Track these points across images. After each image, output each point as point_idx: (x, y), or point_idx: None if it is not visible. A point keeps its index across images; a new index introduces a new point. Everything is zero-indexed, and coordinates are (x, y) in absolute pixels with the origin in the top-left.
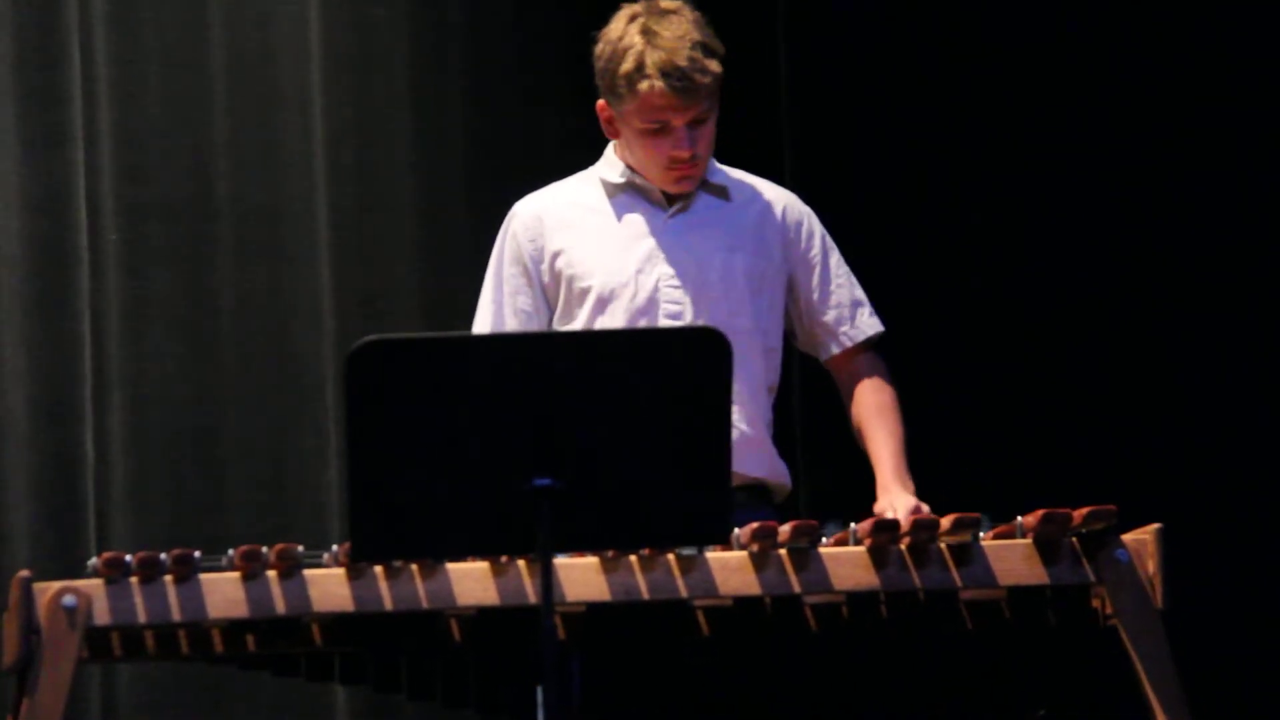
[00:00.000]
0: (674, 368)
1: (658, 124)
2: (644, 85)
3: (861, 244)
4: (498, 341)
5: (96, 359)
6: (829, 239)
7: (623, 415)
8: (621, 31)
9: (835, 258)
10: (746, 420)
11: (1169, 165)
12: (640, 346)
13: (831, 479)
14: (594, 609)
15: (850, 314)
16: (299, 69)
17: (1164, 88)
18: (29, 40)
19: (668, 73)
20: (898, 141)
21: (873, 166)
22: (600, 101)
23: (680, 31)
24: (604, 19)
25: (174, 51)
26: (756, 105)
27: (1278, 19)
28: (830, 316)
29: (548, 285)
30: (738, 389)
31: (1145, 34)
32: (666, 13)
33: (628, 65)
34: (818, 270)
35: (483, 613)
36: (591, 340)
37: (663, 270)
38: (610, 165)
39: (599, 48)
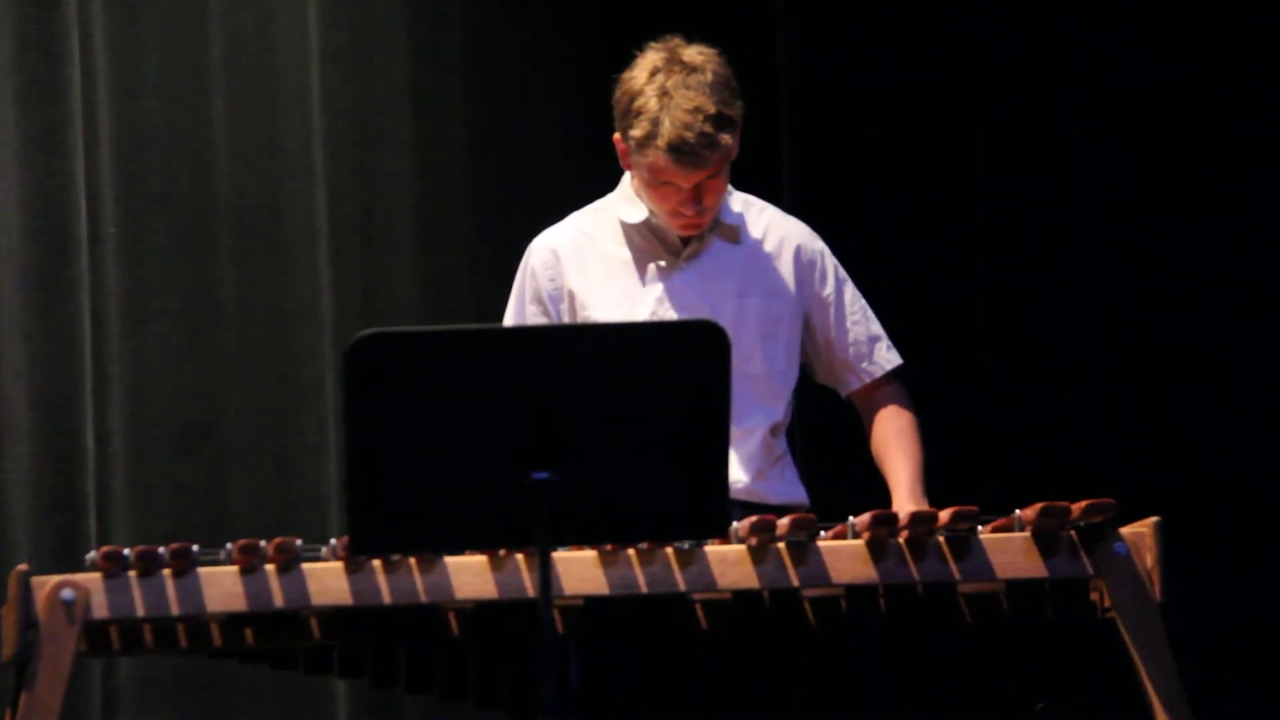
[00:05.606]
0: (672, 361)
1: (664, 183)
2: (652, 154)
3: (861, 239)
4: (496, 335)
5: (96, 353)
6: (842, 272)
7: (621, 409)
8: (640, 87)
9: (850, 293)
10: (751, 463)
11: (1165, 160)
12: (639, 340)
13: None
14: (592, 602)
15: (868, 350)
16: (298, 64)
17: (1160, 92)
18: (28, 35)
19: (676, 147)
20: (893, 146)
21: (871, 166)
22: (616, 135)
23: (697, 102)
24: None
25: (173, 46)
26: (756, 114)
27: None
28: (849, 354)
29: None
30: (744, 432)
31: (1152, 52)
32: (690, 69)
33: (639, 131)
34: (833, 309)
35: (481, 606)
36: (590, 334)
37: (673, 317)
38: (627, 201)
39: (617, 94)
